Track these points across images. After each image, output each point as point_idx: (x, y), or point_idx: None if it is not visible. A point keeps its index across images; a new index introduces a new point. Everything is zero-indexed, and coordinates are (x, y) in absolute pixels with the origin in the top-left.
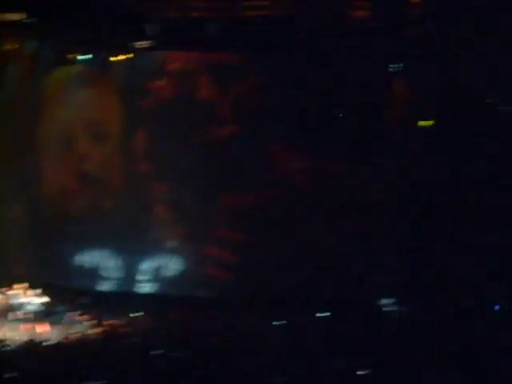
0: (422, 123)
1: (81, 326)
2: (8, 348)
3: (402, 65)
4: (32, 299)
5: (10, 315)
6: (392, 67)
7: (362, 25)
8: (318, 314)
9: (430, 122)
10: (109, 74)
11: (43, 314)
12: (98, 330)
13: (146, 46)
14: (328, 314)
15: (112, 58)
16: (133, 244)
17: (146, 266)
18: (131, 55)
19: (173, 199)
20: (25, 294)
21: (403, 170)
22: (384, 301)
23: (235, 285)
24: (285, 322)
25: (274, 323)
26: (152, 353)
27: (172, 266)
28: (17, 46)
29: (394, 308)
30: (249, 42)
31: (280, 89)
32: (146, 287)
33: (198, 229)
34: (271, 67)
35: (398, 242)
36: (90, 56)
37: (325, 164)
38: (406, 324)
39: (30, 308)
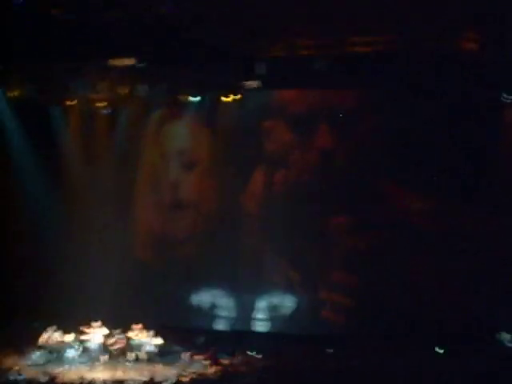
0: None
1: (197, 366)
2: None
3: None
4: (149, 340)
5: (129, 355)
6: (506, 98)
7: (472, 57)
8: (437, 349)
9: None
10: (218, 113)
11: (160, 354)
12: (214, 369)
13: (255, 85)
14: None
15: (222, 99)
16: (247, 283)
17: (261, 304)
18: (240, 95)
19: (286, 241)
20: (141, 334)
21: None
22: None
23: (349, 324)
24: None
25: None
26: None
27: (287, 304)
28: (129, 90)
29: None
30: (357, 77)
31: (394, 127)
32: (261, 326)
33: (313, 269)
34: (384, 105)
35: None
36: (199, 97)
37: (442, 204)
38: None
39: (148, 348)
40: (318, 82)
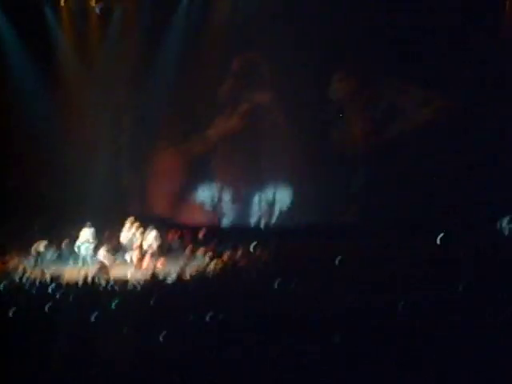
0: None
1: (200, 260)
2: (134, 287)
3: None
4: (150, 235)
5: (130, 252)
6: None
7: None
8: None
9: None
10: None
11: (163, 250)
12: (217, 263)
13: None
14: None
15: None
16: (250, 177)
17: (263, 199)
18: None
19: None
20: (143, 230)
21: None
22: None
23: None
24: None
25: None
26: (269, 284)
27: (287, 198)
28: None
29: None
30: None
31: None
32: (261, 220)
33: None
34: None
35: None
36: None
37: None
38: None
39: (150, 244)
40: None
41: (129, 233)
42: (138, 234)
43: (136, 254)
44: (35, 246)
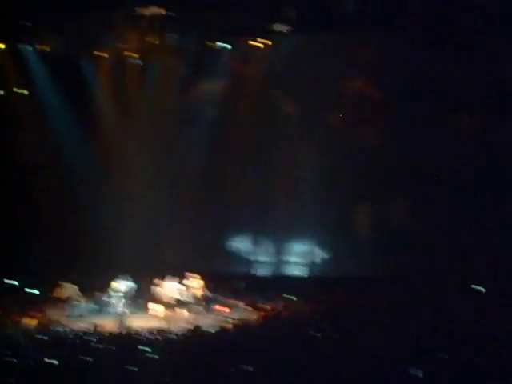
0: None
1: (237, 311)
2: (171, 335)
3: None
4: (188, 285)
5: (170, 302)
6: None
7: None
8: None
9: None
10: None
11: (199, 300)
12: (254, 314)
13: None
14: None
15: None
16: (284, 228)
17: (298, 248)
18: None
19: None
20: (181, 280)
21: None
22: None
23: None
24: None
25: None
26: (309, 334)
27: (323, 248)
28: (158, 39)
29: None
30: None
31: None
32: (298, 270)
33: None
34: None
35: None
36: (230, 44)
37: None
38: None
39: (188, 294)
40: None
41: (165, 284)
42: (174, 285)
43: (171, 304)
44: (71, 295)
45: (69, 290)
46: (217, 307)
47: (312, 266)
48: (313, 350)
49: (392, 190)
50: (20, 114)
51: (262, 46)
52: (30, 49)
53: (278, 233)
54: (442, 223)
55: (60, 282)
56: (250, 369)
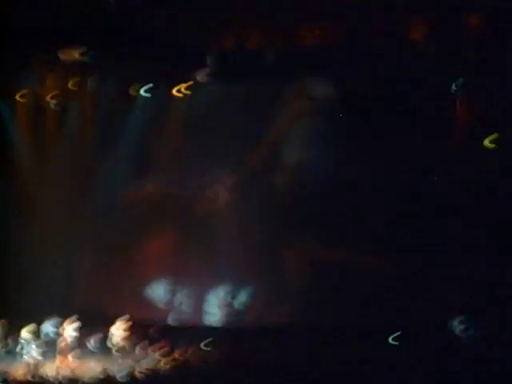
0: None
1: (151, 358)
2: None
3: None
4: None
5: (80, 348)
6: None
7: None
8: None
9: None
10: (170, 107)
11: (114, 347)
12: (169, 361)
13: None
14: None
15: (173, 92)
16: (201, 276)
17: (214, 297)
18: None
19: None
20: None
21: None
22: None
23: (303, 312)
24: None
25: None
26: None
27: (240, 297)
28: (78, 83)
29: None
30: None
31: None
32: (214, 319)
33: (266, 259)
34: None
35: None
36: (149, 91)
37: None
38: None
39: (102, 340)
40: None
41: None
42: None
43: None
44: None
45: None
46: (129, 354)
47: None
48: None
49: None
50: None
51: (181, 95)
52: None
53: (196, 281)
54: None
55: None
56: None
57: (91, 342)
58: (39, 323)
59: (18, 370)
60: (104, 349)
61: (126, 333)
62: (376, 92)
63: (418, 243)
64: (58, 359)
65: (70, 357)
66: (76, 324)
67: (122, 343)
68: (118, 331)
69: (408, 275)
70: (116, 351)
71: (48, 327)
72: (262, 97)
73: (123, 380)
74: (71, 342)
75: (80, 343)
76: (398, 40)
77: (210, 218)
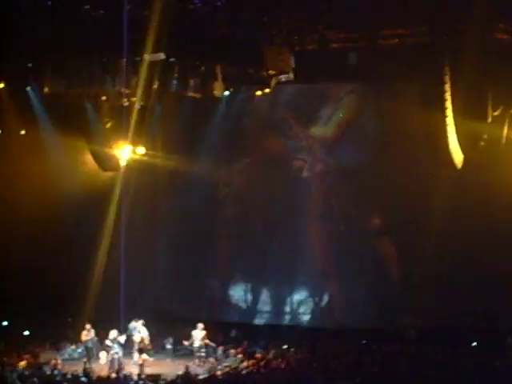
0: None
1: (232, 360)
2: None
3: None
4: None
5: (165, 350)
6: None
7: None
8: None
9: None
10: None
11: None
12: (250, 363)
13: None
14: None
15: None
16: (283, 277)
17: (297, 298)
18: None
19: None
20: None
21: None
22: None
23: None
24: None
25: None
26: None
27: (323, 298)
28: (160, 84)
29: None
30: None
31: None
32: (296, 319)
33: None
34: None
35: None
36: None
37: None
38: None
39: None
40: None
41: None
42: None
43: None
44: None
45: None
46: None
47: (311, 315)
48: None
49: None
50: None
51: (261, 93)
52: (31, 89)
53: (277, 282)
54: None
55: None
56: None
57: (170, 342)
58: (123, 325)
59: (102, 368)
60: (185, 349)
61: (206, 334)
62: None
63: None
64: (140, 358)
65: (147, 356)
66: (156, 326)
67: (203, 344)
68: (199, 332)
69: None
70: (196, 352)
71: (130, 329)
72: None
73: (205, 380)
74: (152, 342)
75: (161, 344)
76: None
77: (293, 218)
